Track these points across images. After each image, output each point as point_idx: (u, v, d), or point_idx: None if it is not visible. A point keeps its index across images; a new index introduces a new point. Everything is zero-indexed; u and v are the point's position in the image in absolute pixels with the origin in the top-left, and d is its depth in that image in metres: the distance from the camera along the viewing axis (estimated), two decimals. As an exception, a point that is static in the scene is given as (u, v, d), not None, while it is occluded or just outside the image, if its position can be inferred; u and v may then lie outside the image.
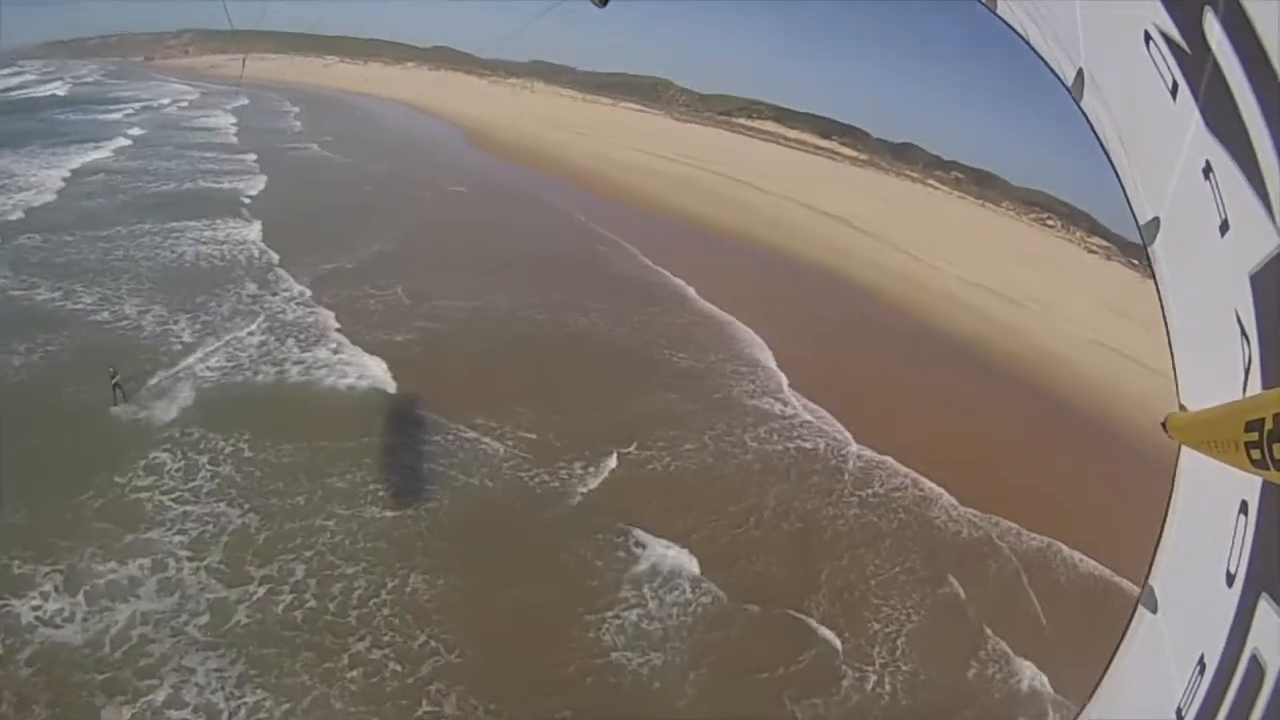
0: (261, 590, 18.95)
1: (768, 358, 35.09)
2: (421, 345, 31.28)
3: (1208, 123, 3.43)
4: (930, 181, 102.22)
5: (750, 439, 28.20)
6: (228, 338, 30.09)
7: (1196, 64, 3.44)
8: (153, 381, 26.67)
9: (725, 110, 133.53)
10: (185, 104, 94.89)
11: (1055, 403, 35.50)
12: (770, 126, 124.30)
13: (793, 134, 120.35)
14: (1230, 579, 3.34)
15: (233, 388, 27.04)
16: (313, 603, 18.68)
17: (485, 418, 26.58)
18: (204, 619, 18.03)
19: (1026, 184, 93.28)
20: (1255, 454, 2.60)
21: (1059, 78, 5.03)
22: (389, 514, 21.97)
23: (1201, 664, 3.51)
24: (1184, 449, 4.11)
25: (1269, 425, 2.51)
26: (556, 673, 17.78)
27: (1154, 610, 4.36)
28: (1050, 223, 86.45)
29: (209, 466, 22.80)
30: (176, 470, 22.52)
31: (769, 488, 25.61)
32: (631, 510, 23.32)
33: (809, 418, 30.13)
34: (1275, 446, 2.47)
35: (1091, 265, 76.07)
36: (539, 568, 20.70)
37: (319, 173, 61.93)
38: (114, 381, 24.41)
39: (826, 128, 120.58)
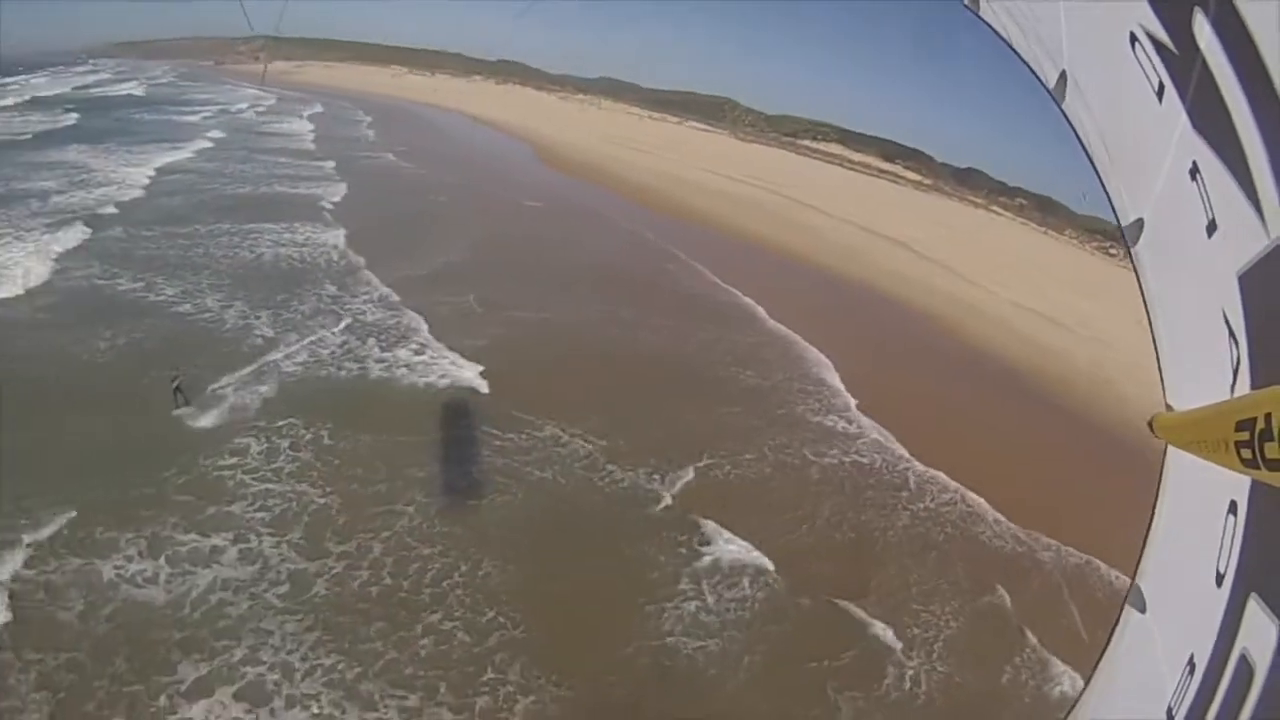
0: (340, 565, 19.90)
1: (832, 376, 35.62)
2: (497, 351, 32.20)
3: (1195, 124, 3.50)
4: (994, 208, 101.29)
5: (810, 453, 28.87)
6: (311, 337, 31.49)
7: (1184, 65, 3.50)
8: (246, 370, 28.07)
9: (790, 131, 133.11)
10: (262, 109, 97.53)
11: (1105, 430, 35.51)
12: (835, 149, 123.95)
13: (857, 157, 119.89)
14: (1219, 579, 3.38)
15: (316, 381, 28.31)
16: (389, 580, 19.62)
17: (557, 421, 27.49)
18: (283, 588, 18.98)
19: (1090, 213, 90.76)
20: (1246, 454, 2.65)
21: (1040, 80, 5.09)
22: (466, 503, 23.02)
23: (1191, 664, 3.54)
24: (1171, 449, 4.15)
25: (1260, 425, 2.55)
26: (615, 653, 18.66)
27: (1142, 610, 4.41)
28: (1113, 252, 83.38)
29: (290, 451, 23.88)
30: (259, 453, 23.63)
31: (825, 498, 26.30)
32: (693, 511, 24.18)
33: (869, 435, 30.73)
34: (1267, 446, 2.51)
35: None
36: (603, 559, 21.63)
37: (394, 182, 63.43)
38: (175, 385, 24.80)
39: (891, 151, 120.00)
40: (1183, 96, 3.53)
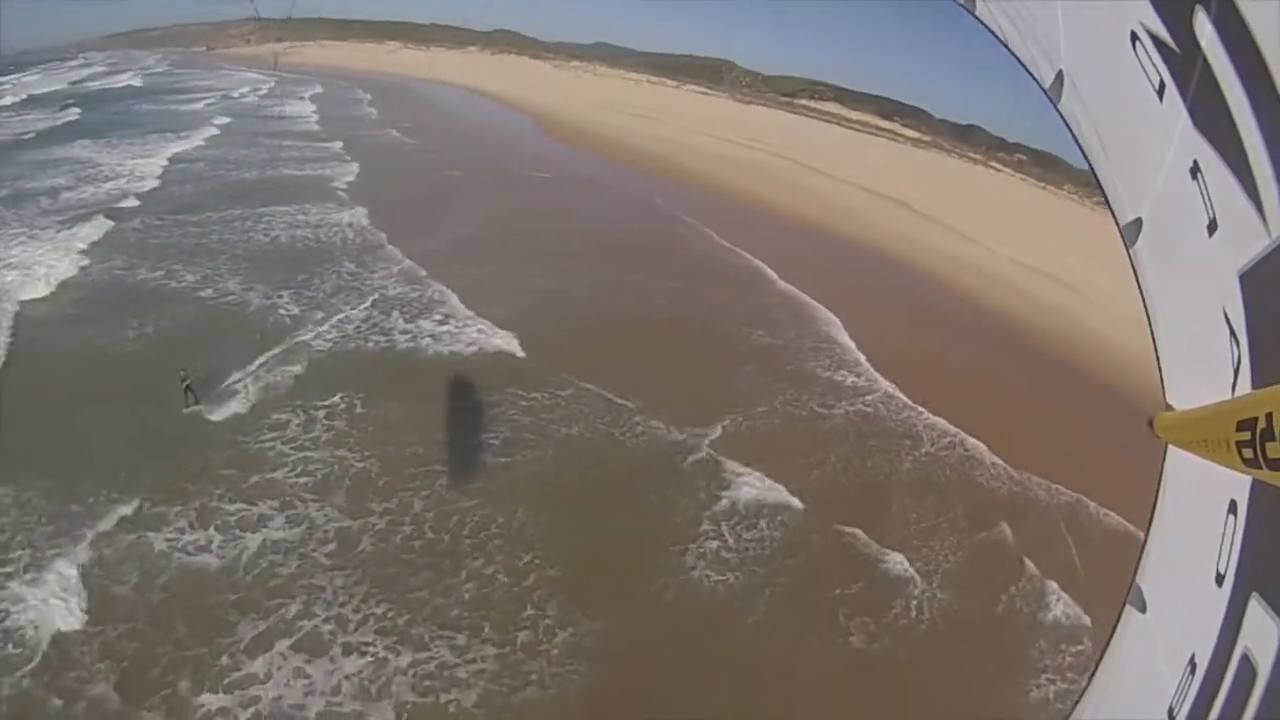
0: (383, 522, 21.11)
1: (841, 334, 36.67)
2: (519, 318, 33.17)
3: (1196, 122, 3.48)
4: (993, 164, 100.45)
5: (819, 405, 30.23)
6: (338, 314, 32.43)
7: (1186, 64, 3.47)
8: (277, 349, 29.12)
9: (788, 91, 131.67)
10: (263, 92, 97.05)
11: (1096, 379, 36.68)
12: (832, 108, 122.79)
13: (855, 115, 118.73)
14: (1220, 579, 3.37)
15: (347, 354, 29.38)
16: (430, 533, 20.95)
17: (578, 381, 28.69)
18: (330, 546, 20.13)
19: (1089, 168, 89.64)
20: (1247, 453, 2.65)
21: (1036, 80, 5.04)
22: (499, 460, 24.34)
23: (1192, 664, 3.52)
24: (1171, 449, 4.16)
25: (1262, 425, 2.56)
26: (644, 588, 20.20)
27: (1142, 610, 4.40)
28: None
29: (326, 421, 24.94)
30: (298, 425, 24.63)
31: (835, 445, 27.80)
32: (713, 459, 25.69)
33: (878, 387, 32.09)
34: (1268, 446, 2.52)
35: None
36: (629, 505, 23.07)
37: (402, 159, 63.81)
38: (185, 384, 24.76)
39: (889, 108, 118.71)
40: (1184, 95, 3.56)
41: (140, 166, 53.73)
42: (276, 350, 29.02)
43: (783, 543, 22.46)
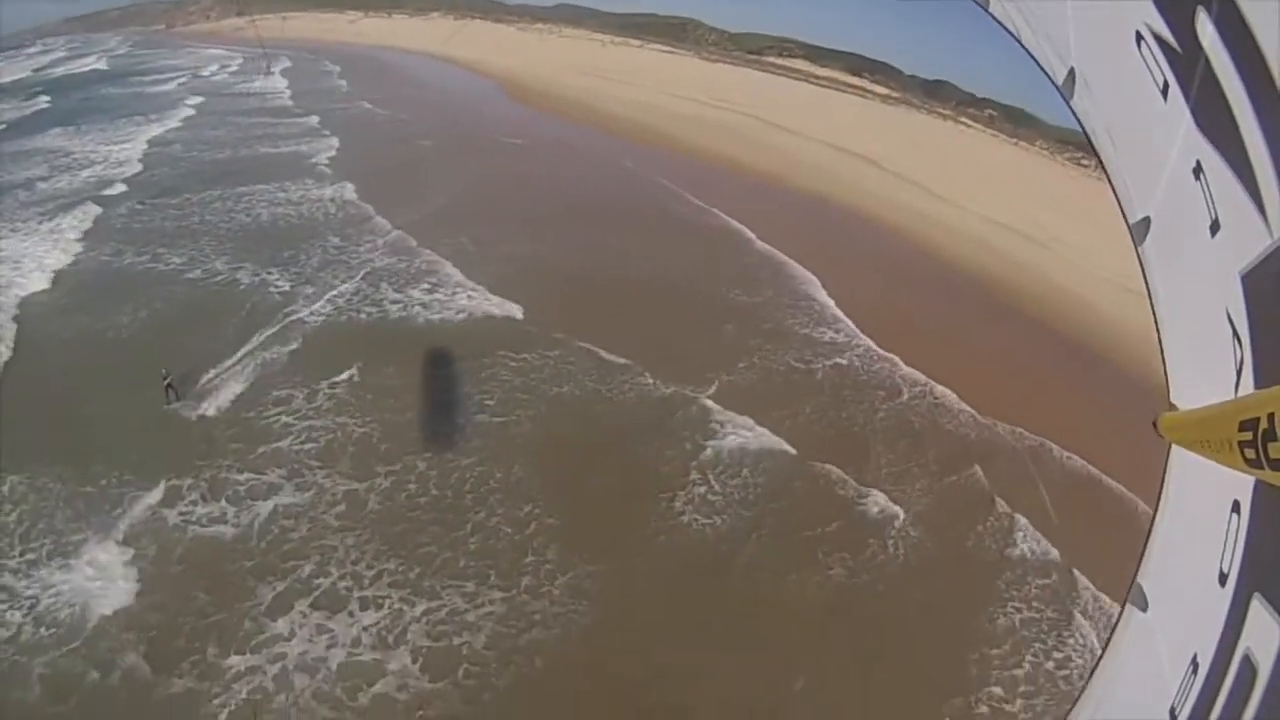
0: (388, 482, 22.35)
1: (819, 292, 37.50)
2: (503, 283, 34.11)
3: (1199, 123, 3.48)
4: (963, 119, 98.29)
5: (798, 360, 31.37)
6: (336, 286, 33.53)
7: (1188, 64, 3.46)
8: (292, 314, 30.35)
9: (755, 49, 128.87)
10: (233, 69, 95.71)
11: (1067, 337, 37.69)
12: (800, 65, 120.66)
13: (823, 72, 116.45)
14: (1223, 579, 3.37)
15: (339, 326, 30.39)
16: (434, 490, 22.24)
17: (570, 341, 29.88)
18: (340, 508, 21.31)
19: (1062, 123, 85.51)
20: (1249, 453, 2.66)
21: (1050, 77, 5.02)
22: (495, 420, 25.49)
23: (1194, 663, 3.52)
24: (1175, 449, 4.11)
25: (1264, 425, 2.56)
26: (637, 532, 21.65)
27: (1144, 609, 4.39)
28: (1084, 162, 79.49)
29: (329, 391, 26.02)
30: (301, 398, 25.70)
31: (813, 396, 29.15)
32: (698, 413, 27.03)
33: (856, 342, 33.21)
34: (1270, 446, 2.52)
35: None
36: (620, 457, 24.47)
37: (376, 131, 63.65)
38: (167, 382, 24.87)
39: (857, 65, 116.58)
40: (1186, 95, 3.55)
41: (120, 152, 53.40)
42: (273, 329, 30.01)
43: (766, 488, 23.83)
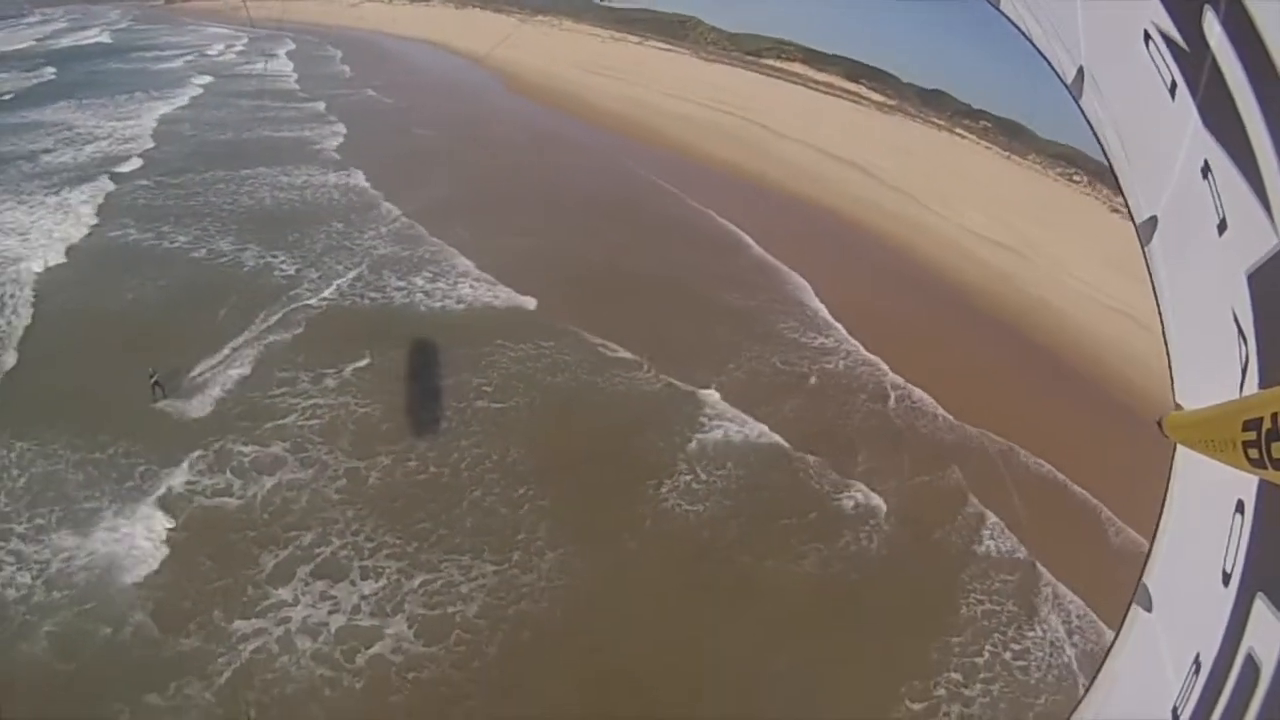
0: (389, 460, 23.44)
1: (811, 298, 38.18)
2: (506, 274, 35.05)
3: (1206, 122, 3.48)
4: (958, 130, 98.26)
5: (783, 362, 32.32)
6: (346, 272, 34.49)
7: (1195, 63, 3.48)
8: (303, 297, 31.06)
9: (753, 50, 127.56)
10: (238, 49, 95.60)
11: (1044, 349, 38.35)
12: (798, 68, 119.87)
13: (821, 76, 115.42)
14: (1226, 578, 3.36)
15: (341, 311, 31.26)
16: (433, 469, 23.35)
17: (556, 335, 30.80)
18: (341, 483, 22.39)
19: (1055, 138, 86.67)
20: (1253, 453, 2.68)
21: (1059, 75, 5.04)
22: (492, 405, 26.51)
23: (1197, 663, 3.52)
24: (1180, 448, 4.09)
25: (1267, 425, 2.59)
26: (624, 515, 22.85)
27: (1148, 609, 4.38)
28: (1076, 179, 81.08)
29: (334, 374, 26.92)
30: (306, 379, 26.59)
31: (802, 396, 30.28)
32: (688, 406, 28.10)
33: (845, 347, 34.11)
34: (1274, 446, 2.55)
35: (1114, 225, 66.78)
36: (610, 444, 25.61)
37: (381, 119, 64.11)
38: (153, 380, 24.86)
39: (855, 71, 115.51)
40: (1194, 95, 3.55)
41: (127, 129, 53.60)
42: (291, 306, 31.16)
43: (748, 479, 24.97)
